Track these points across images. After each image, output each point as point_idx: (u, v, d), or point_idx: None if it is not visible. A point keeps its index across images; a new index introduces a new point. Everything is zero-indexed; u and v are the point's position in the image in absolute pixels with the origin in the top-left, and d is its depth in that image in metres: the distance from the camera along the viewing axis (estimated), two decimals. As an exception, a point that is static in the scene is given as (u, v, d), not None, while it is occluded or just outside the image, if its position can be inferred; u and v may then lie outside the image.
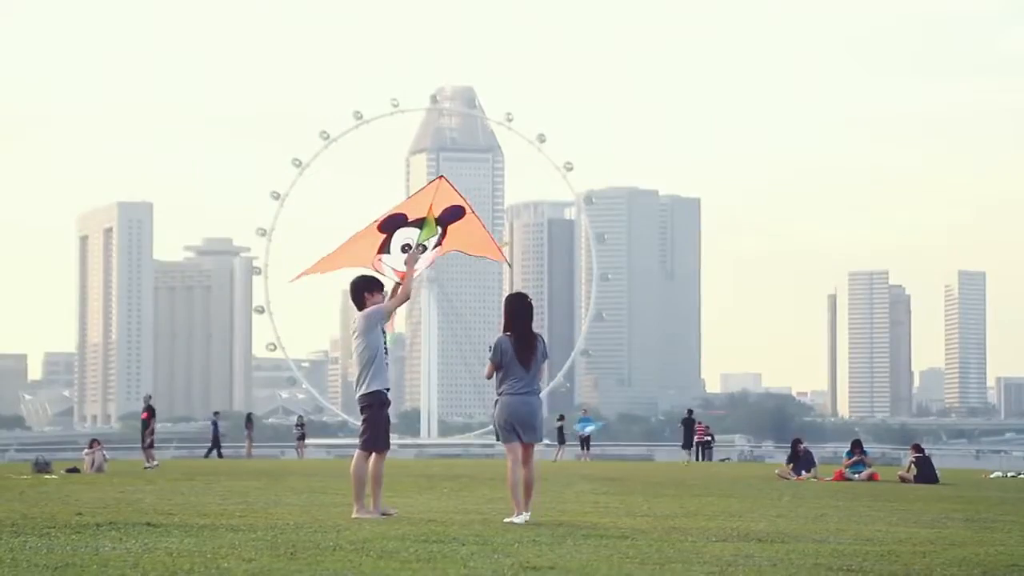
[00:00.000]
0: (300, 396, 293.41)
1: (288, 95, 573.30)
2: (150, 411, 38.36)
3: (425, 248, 13.33)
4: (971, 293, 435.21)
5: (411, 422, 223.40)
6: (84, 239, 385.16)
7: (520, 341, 12.64)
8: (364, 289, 12.84)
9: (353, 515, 12.84)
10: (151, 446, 37.47)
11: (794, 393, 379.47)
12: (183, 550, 9.34)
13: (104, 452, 32.50)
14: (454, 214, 13.33)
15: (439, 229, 13.37)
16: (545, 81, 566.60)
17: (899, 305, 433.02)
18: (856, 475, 29.72)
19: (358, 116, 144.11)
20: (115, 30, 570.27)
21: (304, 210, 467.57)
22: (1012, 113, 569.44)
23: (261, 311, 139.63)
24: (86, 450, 32.80)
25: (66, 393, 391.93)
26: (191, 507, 14.57)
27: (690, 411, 53.71)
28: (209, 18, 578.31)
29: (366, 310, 12.76)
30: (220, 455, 53.29)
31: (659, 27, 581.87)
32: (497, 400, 12.74)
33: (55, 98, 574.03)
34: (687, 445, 51.03)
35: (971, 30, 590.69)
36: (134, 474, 28.62)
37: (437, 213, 13.29)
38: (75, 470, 30.14)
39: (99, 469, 30.66)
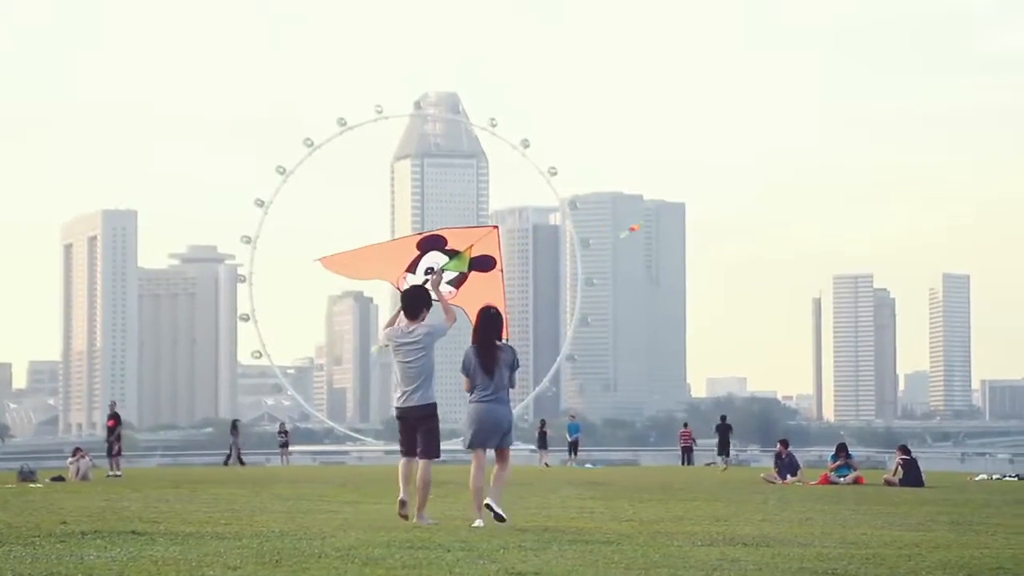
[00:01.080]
0: (286, 403, 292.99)
1: (272, 102, 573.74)
2: (116, 418, 38.08)
3: (444, 271, 13.62)
4: (955, 296, 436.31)
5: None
6: (68, 247, 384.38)
7: (481, 349, 12.97)
8: (424, 305, 13.22)
9: (429, 521, 13.32)
10: (118, 453, 37.12)
11: (779, 397, 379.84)
12: (168, 558, 9.32)
13: (90, 460, 32.42)
14: (484, 263, 13.74)
15: (467, 269, 13.73)
16: (529, 86, 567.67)
17: (884, 308, 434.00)
18: (841, 478, 29.74)
19: (342, 123, 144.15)
20: (98, 39, 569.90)
21: (289, 217, 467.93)
22: (999, 115, 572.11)
23: (246, 318, 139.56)
24: (70, 459, 32.71)
25: (51, 401, 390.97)
26: (176, 515, 14.55)
27: (723, 417, 51.80)
28: (193, 25, 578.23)
29: (433, 325, 13.16)
30: (228, 463, 52.71)
31: (643, 31, 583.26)
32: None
33: (40, 106, 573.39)
34: (722, 451, 49.87)
35: (969, 30, 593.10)
36: (119, 482, 28.60)
37: (474, 254, 13.70)
38: (60, 478, 30.09)
39: (84, 477, 30.60)
